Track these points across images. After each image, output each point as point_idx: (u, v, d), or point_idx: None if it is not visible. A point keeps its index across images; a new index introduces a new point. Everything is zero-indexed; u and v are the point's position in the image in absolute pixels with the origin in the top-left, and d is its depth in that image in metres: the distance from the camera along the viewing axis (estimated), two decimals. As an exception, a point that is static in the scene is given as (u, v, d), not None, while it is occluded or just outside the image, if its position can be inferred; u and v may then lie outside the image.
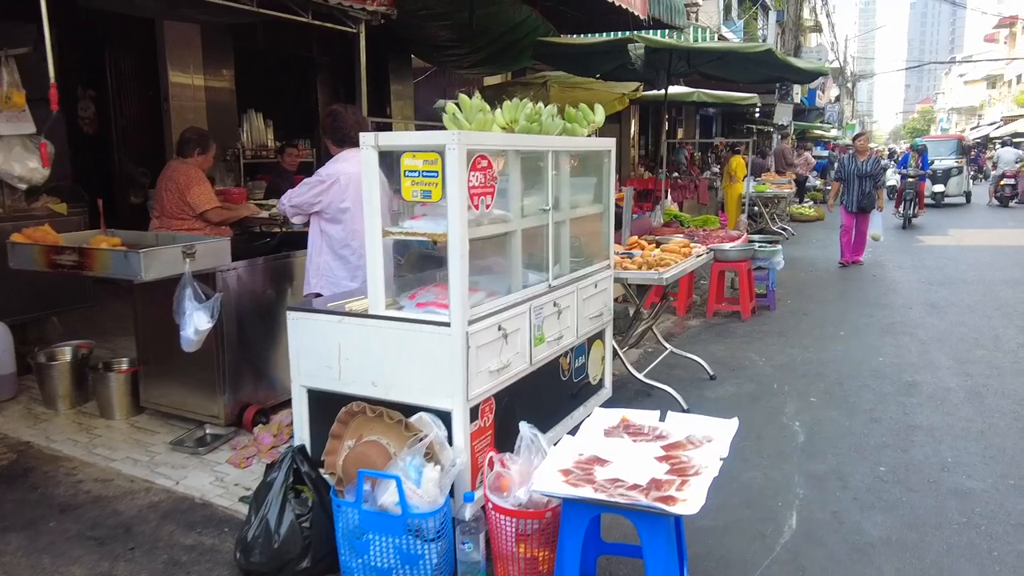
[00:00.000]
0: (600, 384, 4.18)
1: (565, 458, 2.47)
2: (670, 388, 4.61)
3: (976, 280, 8.87)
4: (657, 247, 5.23)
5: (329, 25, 6.25)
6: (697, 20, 18.59)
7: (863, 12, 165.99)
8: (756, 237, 11.20)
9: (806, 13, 37.79)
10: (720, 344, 6.23)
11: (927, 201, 17.30)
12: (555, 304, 3.44)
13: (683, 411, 4.51)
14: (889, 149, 38.73)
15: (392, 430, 2.71)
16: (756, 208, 14.31)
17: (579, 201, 3.88)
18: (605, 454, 2.50)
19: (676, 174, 18.51)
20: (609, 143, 4.00)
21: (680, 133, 29.31)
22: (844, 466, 3.77)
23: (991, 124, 47.43)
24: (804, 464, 3.81)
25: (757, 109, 28.76)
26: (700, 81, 13.90)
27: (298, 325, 3.04)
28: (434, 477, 2.56)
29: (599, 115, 3.86)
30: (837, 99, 41.32)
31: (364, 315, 2.89)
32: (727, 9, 23.57)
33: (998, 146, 25.42)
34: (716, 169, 16.76)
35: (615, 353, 4.52)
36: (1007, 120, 43.37)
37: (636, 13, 7.65)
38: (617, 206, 10.50)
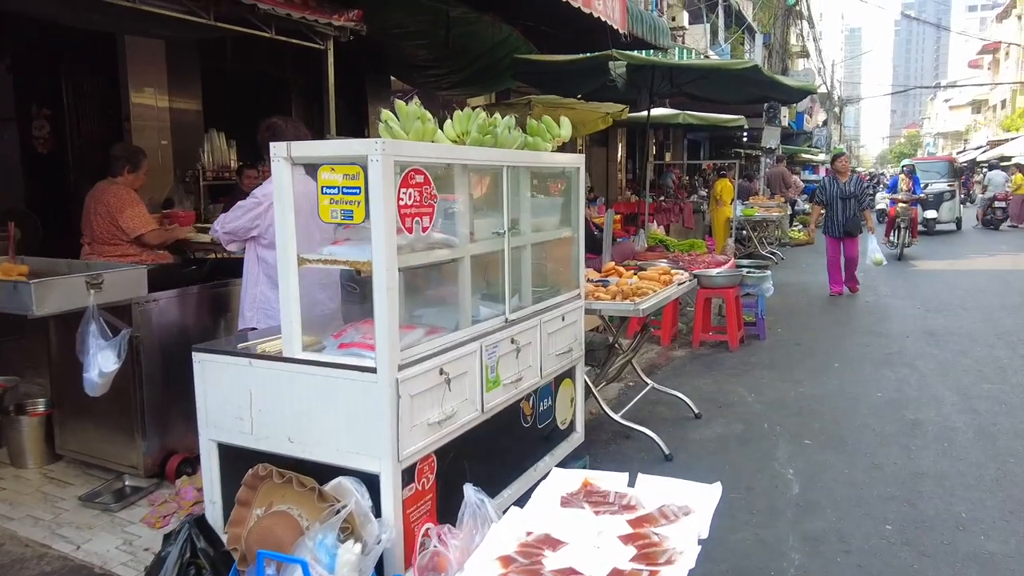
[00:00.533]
0: (570, 428, 3.73)
1: (509, 539, 2.01)
2: (650, 431, 4.16)
3: (975, 307, 8.48)
4: (637, 274, 4.81)
5: (295, 41, 5.88)
6: (683, 44, 18.41)
7: (849, 38, 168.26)
8: (744, 262, 10.83)
9: (793, 39, 37.94)
10: (707, 377, 5.78)
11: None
12: (513, 341, 3.00)
13: (664, 457, 4.05)
14: (870, 173, 37.95)
15: (304, 499, 2.25)
16: (744, 232, 14.00)
17: (544, 224, 3.46)
18: (560, 531, 2.04)
19: (663, 197, 18.29)
20: (577, 160, 3.59)
21: (668, 156, 29.17)
22: (845, 523, 3.32)
23: (977, 148, 47.63)
24: (800, 522, 3.35)
25: (745, 133, 28.75)
26: (687, 103, 13.64)
27: (205, 368, 2.58)
28: (351, 560, 2.09)
29: (565, 129, 3.45)
30: (825, 123, 41.36)
31: (277, 358, 2.43)
32: (714, 33, 23.46)
33: (985, 169, 25.10)
34: (703, 192, 16.45)
35: (589, 392, 4.08)
36: (993, 144, 43.54)
37: (615, 27, 7.30)
38: (599, 229, 10.09)
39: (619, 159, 22.27)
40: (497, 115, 3.10)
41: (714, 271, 6.91)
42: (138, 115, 7.95)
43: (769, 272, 7.08)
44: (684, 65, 7.71)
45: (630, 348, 4.83)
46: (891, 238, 13.75)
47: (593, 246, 10.19)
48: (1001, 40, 53.87)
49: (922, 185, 16.60)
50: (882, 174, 36.75)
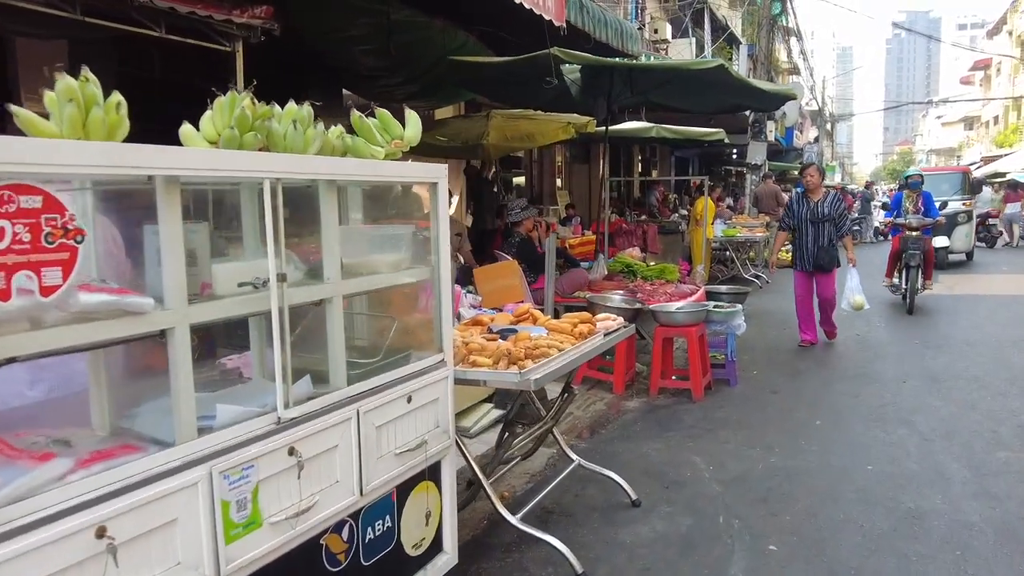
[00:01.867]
0: (433, 550, 2.64)
1: None
2: (557, 542, 3.06)
3: (980, 340, 7.43)
4: (557, 318, 3.75)
5: (192, 42, 4.94)
6: (667, 55, 17.52)
7: (840, 57, 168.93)
8: (723, 288, 9.80)
9: (783, 55, 37.25)
10: (659, 440, 4.71)
11: None
12: (293, 452, 1.93)
13: (575, 578, 2.97)
14: (866, 184, 35.63)
15: None
16: (728, 253, 12.99)
17: (377, 264, 2.41)
18: None
19: (644, 216, 17.33)
20: (434, 172, 2.53)
21: (655, 173, 28.26)
22: None
23: (972, 164, 46.99)
24: None
25: (735, 151, 27.80)
26: (671, 118, 12.68)
27: None
28: None
29: (411, 128, 2.42)
30: (816, 140, 40.59)
31: None
32: (700, 48, 22.62)
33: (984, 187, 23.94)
34: (684, 211, 15.46)
35: (479, 486, 3.01)
36: (987, 160, 42.84)
37: (550, 18, 6.29)
38: (564, 253, 9.01)
39: (602, 176, 21.34)
40: (280, 107, 2.06)
41: (674, 306, 5.87)
42: (30, 128, 6.92)
43: (740, 307, 6.02)
44: (640, 66, 6.72)
45: (551, 416, 3.75)
46: (894, 280, 9.83)
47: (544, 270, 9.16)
48: (995, 53, 53.41)
49: (941, 205, 12.32)
50: (879, 190, 33.80)
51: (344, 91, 10.87)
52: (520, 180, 18.35)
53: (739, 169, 32.57)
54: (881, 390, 5.79)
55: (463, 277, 6.21)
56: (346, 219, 2.39)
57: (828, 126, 47.12)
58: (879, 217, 16.99)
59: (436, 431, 2.56)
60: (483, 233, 10.23)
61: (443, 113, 11.86)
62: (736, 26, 26.09)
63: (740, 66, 20.77)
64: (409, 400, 2.40)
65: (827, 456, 4.35)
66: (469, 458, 2.95)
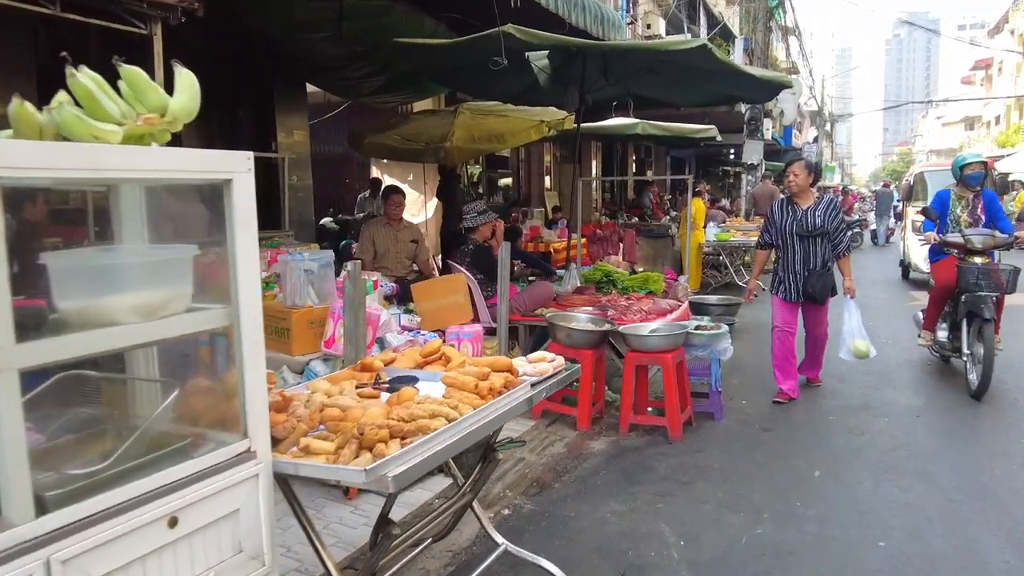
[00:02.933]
0: None
1: None
2: None
3: (1003, 363, 6.54)
4: (474, 363, 2.87)
5: (97, 22, 4.17)
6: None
7: (839, 57, 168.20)
8: (712, 299, 8.92)
9: (782, 55, 36.39)
10: (623, 499, 3.83)
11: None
12: None
13: None
14: (882, 185, 26.25)
15: None
16: (721, 258, 12.12)
17: (109, 309, 1.52)
18: None
19: (636, 219, 16.47)
20: (224, 162, 1.65)
21: (650, 174, 27.37)
22: None
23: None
24: None
25: (731, 151, 26.92)
26: (659, 115, 11.79)
27: None
28: None
29: (183, 95, 1.54)
30: (815, 140, 39.74)
31: None
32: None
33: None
34: (674, 213, 14.59)
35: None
36: (991, 160, 42.02)
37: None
38: (538, 262, 8.14)
39: (593, 177, 20.45)
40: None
41: (647, 328, 4.99)
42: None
43: (725, 329, 5.13)
44: (610, 46, 5.84)
45: (467, 485, 2.87)
46: (938, 334, 6.20)
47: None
48: (1002, 49, 52.55)
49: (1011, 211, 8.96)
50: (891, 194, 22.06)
51: (309, 86, 10.06)
52: (507, 181, 17.48)
53: (736, 170, 31.76)
54: (892, 426, 4.91)
55: (405, 294, 5.34)
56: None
57: (828, 126, 46.27)
58: (918, 239, 14.03)
59: (235, 560, 1.68)
60: (454, 236, 9.37)
61: (421, 106, 11.02)
62: (734, 24, 25.24)
63: (736, 61, 19.87)
64: (173, 524, 1.52)
65: (828, 525, 3.47)
66: None
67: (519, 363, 2.73)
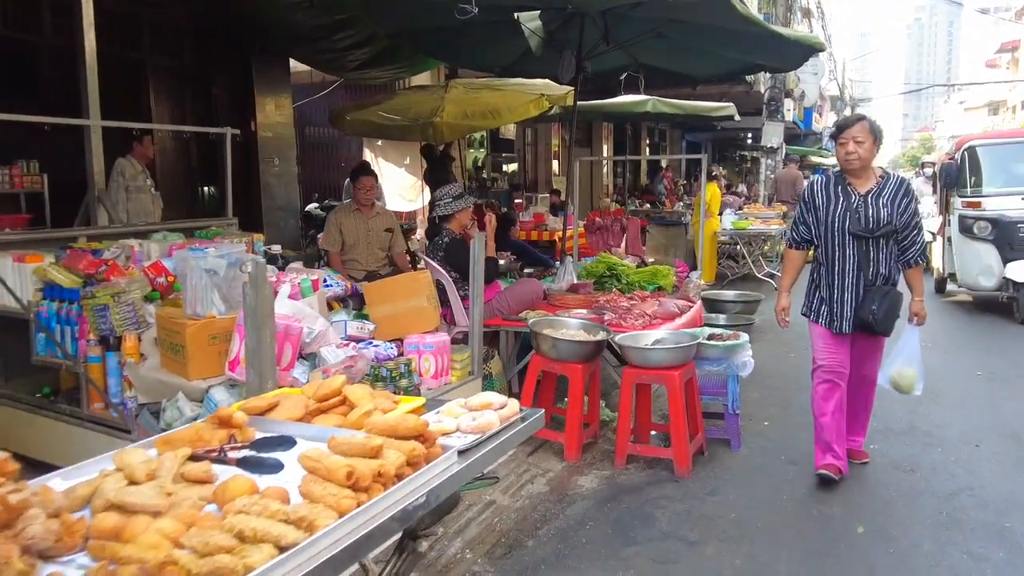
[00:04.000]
0: None
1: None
2: None
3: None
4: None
5: None
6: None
7: (860, 41, 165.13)
8: (728, 294, 8.04)
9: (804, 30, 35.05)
10: (612, 564, 2.98)
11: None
12: None
13: None
14: (922, 163, 22.46)
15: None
16: (739, 247, 11.16)
17: None
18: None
19: (648, 205, 15.56)
20: None
21: (664, 160, 26.32)
22: None
23: None
24: None
25: (749, 135, 25.77)
26: (673, 94, 10.75)
27: None
28: None
29: None
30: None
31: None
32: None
33: None
34: (688, 200, 13.63)
35: None
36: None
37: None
38: (528, 251, 7.28)
39: (593, 157, 19.48)
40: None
41: (650, 337, 4.13)
42: None
43: (745, 339, 4.24)
44: (613, 2, 4.92)
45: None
46: None
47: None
48: (1020, 38, 50.83)
49: None
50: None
51: (295, 64, 9.23)
52: (513, 167, 16.55)
53: (754, 155, 30.58)
54: (947, 458, 4.04)
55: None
56: None
57: (848, 110, 44.81)
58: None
59: None
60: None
61: (419, 80, 10.12)
62: (752, 3, 24.04)
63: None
64: None
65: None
66: None
67: (447, 416, 1.88)
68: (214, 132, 5.81)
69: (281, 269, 4.25)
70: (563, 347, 4.04)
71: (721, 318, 7.06)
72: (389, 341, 3.90)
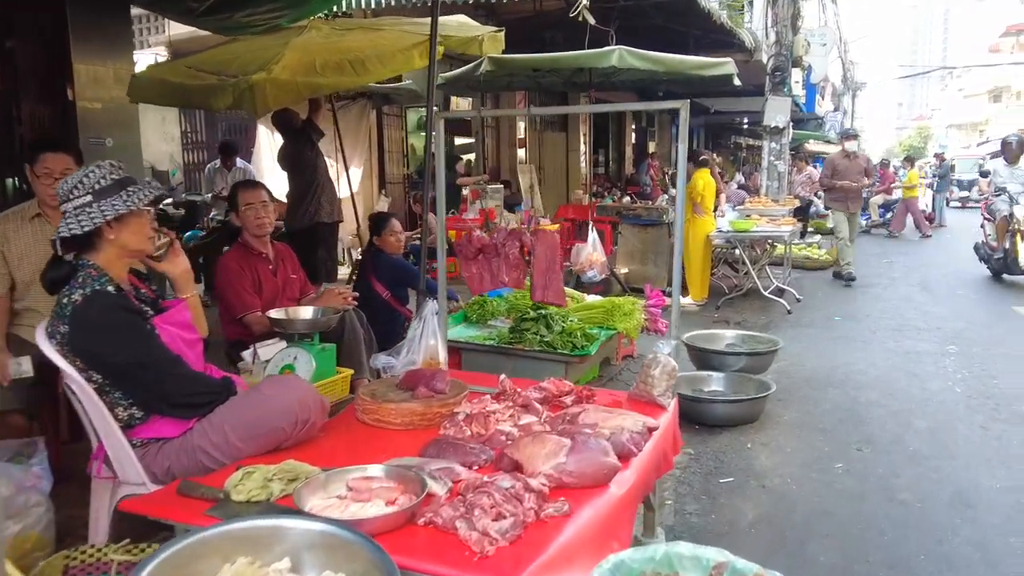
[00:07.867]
0: None
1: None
2: None
3: None
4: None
5: None
6: None
7: (853, 24, 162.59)
8: (729, 335, 5.44)
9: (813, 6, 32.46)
10: None
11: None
12: None
13: None
14: (940, 156, 21.46)
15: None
16: (737, 252, 8.45)
17: None
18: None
19: (628, 197, 13.04)
20: None
21: (652, 146, 23.63)
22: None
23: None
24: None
25: (746, 119, 23.12)
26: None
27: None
28: None
29: None
30: (836, 109, 35.75)
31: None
32: None
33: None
34: (673, 193, 10.91)
35: None
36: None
37: None
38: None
39: (582, 147, 16.83)
40: None
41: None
42: None
43: None
44: None
45: None
46: None
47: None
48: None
49: None
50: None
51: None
52: (470, 156, 13.85)
53: (751, 142, 27.85)
54: None
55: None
56: None
57: (849, 97, 42.18)
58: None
59: None
60: (296, 235, 5.83)
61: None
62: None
63: (756, 15, 15.56)
64: None
65: None
66: None
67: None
68: None
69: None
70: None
71: (716, 379, 4.46)
72: None
